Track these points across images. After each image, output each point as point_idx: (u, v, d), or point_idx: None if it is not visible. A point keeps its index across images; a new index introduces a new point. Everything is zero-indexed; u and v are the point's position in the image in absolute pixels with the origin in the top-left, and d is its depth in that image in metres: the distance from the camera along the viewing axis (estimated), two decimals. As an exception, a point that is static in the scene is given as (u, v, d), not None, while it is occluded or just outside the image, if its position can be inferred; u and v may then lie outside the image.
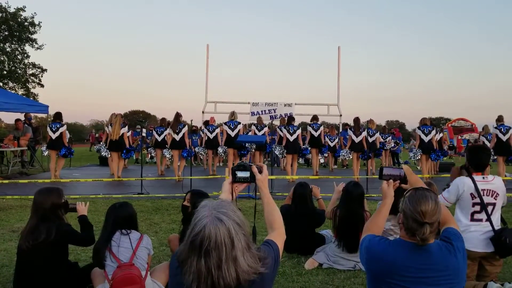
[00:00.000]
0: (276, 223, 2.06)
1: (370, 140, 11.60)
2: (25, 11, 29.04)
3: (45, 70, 31.57)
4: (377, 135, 11.93)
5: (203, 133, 12.08)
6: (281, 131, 11.44)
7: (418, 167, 12.81)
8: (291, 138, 11.03)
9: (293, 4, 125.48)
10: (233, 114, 11.54)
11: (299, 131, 11.19)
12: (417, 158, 10.97)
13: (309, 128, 11.79)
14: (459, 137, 28.07)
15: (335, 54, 17.99)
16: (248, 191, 2.21)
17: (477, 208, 3.66)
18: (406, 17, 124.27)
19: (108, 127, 11.32)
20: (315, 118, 11.95)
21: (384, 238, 2.19)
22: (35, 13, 29.98)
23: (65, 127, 10.88)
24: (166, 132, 11.76)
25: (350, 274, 4.17)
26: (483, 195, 3.64)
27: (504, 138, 10.72)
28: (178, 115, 11.08)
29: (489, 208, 3.65)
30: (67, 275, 3.47)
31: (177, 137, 10.96)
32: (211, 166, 13.07)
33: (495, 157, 10.95)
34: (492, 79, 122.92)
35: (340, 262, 4.32)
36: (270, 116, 16.84)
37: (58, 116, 10.89)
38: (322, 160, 16.80)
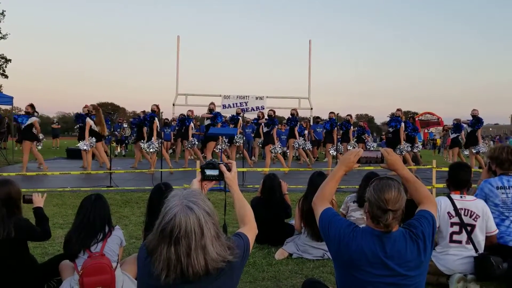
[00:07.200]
0: (247, 218, 2.11)
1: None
2: (-13, -1, 27.99)
3: (9, 60, 30.64)
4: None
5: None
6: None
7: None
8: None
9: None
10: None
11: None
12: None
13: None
14: (426, 131, 28.95)
15: (307, 47, 18.10)
16: (219, 184, 2.27)
17: (456, 228, 3.51)
18: (380, 12, 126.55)
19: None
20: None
21: (354, 225, 2.26)
22: (-2, 1, 28.85)
23: (34, 118, 10.67)
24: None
25: (319, 263, 4.27)
26: (462, 214, 3.50)
27: None
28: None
29: (468, 229, 3.48)
30: (28, 270, 3.27)
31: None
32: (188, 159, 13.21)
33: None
34: (461, 76, 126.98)
35: (309, 251, 4.41)
36: (242, 109, 16.84)
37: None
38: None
